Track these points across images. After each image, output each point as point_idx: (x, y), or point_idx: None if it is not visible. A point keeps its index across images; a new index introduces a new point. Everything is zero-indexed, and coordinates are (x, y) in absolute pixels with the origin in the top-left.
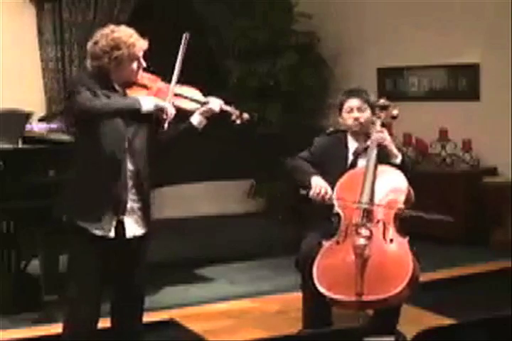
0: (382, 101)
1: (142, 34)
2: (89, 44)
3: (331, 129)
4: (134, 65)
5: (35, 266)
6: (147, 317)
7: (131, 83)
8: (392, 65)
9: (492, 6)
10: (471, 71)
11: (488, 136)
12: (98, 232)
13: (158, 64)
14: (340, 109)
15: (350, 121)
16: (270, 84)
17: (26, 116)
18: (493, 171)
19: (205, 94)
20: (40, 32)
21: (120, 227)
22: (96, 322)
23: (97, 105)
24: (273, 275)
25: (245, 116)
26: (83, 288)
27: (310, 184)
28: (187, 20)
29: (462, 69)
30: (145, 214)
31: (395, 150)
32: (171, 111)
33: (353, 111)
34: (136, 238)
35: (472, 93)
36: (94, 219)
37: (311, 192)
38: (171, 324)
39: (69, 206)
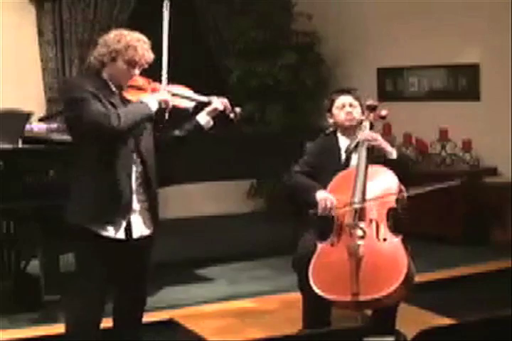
0: (370, 101)
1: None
2: (104, 43)
3: (331, 129)
4: (137, 71)
5: (35, 266)
6: (147, 317)
7: (127, 86)
8: (392, 65)
9: (492, 6)
10: (471, 71)
11: (488, 136)
12: (108, 234)
13: (157, 64)
14: (330, 108)
15: (342, 116)
16: (270, 84)
17: (26, 116)
18: (493, 171)
19: (204, 94)
20: (40, 32)
21: (128, 228)
22: (99, 323)
23: (118, 125)
24: (273, 275)
25: (237, 109)
26: (90, 289)
27: (315, 200)
28: (187, 20)
29: (462, 69)
30: (152, 214)
31: (388, 148)
32: (170, 100)
33: (345, 107)
34: (142, 238)
35: (472, 93)
36: (103, 222)
37: (319, 210)
38: (170, 324)
39: (77, 210)
